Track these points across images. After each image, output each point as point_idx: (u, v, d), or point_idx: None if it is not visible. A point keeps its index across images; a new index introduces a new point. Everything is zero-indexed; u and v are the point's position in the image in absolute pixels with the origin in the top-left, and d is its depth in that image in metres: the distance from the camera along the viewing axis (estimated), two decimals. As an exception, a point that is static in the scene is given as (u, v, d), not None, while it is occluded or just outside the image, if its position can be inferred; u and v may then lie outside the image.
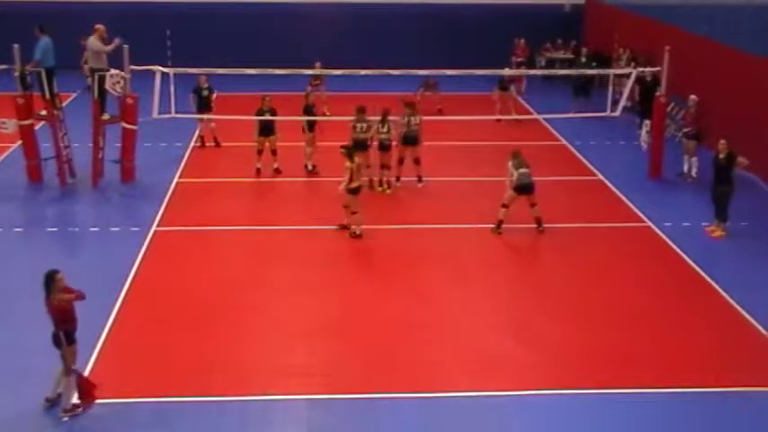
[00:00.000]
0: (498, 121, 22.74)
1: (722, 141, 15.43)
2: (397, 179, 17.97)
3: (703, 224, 15.87)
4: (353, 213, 15.31)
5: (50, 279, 9.75)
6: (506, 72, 23.94)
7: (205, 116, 20.22)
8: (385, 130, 17.52)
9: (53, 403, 9.98)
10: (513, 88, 24.13)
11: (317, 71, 21.90)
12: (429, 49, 28.65)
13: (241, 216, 16.41)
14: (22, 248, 15.01)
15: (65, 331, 9.75)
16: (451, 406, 10.27)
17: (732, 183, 15.46)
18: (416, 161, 17.97)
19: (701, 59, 21.10)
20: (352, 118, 17.55)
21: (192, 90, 20.14)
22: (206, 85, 20.17)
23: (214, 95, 20.34)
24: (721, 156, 15.40)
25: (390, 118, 17.68)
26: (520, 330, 12.10)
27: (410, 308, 12.73)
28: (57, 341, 9.79)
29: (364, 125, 17.43)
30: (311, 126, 18.72)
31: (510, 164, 15.56)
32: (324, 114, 22.03)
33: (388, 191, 17.71)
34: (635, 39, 25.36)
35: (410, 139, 17.79)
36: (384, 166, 17.74)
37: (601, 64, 25.78)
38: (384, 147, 17.60)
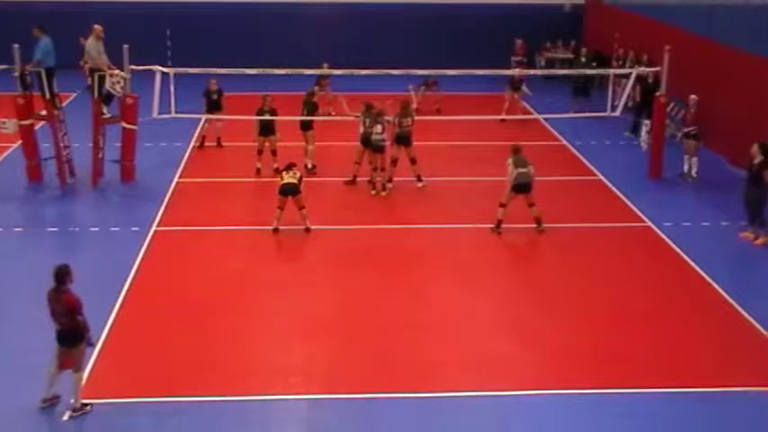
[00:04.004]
0: (503, 120, 22.70)
1: (755, 147, 15.11)
2: (390, 180, 17.71)
3: (740, 226, 15.50)
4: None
5: (66, 272, 9.68)
6: (516, 72, 23.87)
7: (213, 116, 20.21)
8: (379, 130, 17.45)
9: (51, 403, 9.99)
10: (524, 87, 24.11)
11: (325, 71, 21.88)
12: (429, 49, 28.62)
13: (241, 216, 16.39)
14: (22, 248, 15.01)
15: (77, 326, 9.69)
16: (451, 406, 10.27)
17: (764, 187, 14.98)
18: (412, 161, 17.85)
19: (701, 59, 21.09)
20: (351, 117, 17.57)
21: (203, 94, 20.10)
22: (215, 89, 20.12)
23: (223, 97, 20.29)
24: (756, 161, 15.03)
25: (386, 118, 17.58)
26: (520, 330, 12.10)
27: (410, 308, 12.73)
28: (72, 337, 9.71)
29: (370, 120, 17.45)
30: (308, 124, 18.68)
31: (509, 161, 15.54)
32: (329, 114, 22.00)
33: (383, 193, 17.56)
34: (635, 39, 25.33)
35: (402, 139, 17.62)
36: (377, 168, 17.62)
37: (601, 64, 25.75)
38: (378, 148, 17.53)
